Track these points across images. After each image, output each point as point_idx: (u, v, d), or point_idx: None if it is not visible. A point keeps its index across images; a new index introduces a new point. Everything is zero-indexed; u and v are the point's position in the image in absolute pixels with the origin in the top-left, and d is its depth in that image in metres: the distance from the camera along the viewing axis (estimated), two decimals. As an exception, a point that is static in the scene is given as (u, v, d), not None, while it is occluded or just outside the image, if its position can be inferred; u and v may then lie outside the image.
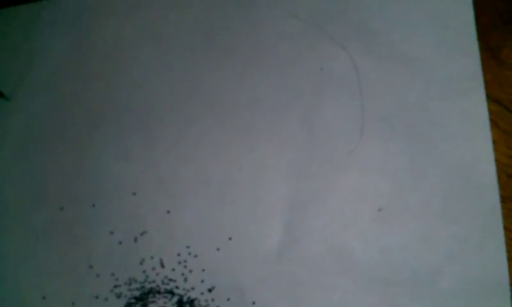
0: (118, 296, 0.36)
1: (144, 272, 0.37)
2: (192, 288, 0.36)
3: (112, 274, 0.37)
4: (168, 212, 0.37)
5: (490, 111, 0.35)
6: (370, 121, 0.36)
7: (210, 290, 0.36)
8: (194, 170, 0.38)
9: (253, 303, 0.35)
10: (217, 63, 0.39)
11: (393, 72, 0.36)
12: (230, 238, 0.36)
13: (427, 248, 0.33)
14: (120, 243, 0.37)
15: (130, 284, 0.36)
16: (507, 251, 0.32)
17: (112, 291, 0.37)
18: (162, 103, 0.39)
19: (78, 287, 0.37)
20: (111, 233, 0.38)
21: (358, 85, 0.36)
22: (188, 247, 0.36)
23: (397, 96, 0.36)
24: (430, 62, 0.36)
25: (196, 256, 0.36)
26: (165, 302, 0.36)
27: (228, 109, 0.38)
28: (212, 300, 0.35)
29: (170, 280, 0.36)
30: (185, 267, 0.36)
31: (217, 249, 0.36)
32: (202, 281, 0.36)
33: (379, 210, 0.34)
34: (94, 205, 0.38)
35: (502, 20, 0.36)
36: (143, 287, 0.36)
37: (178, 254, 0.36)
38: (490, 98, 0.35)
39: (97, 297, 0.37)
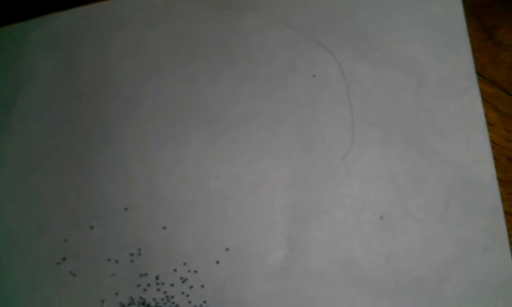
0: None
1: (145, 290, 0.36)
2: None
3: (116, 293, 0.37)
4: (164, 228, 0.37)
5: (487, 93, 0.34)
6: (363, 127, 0.35)
7: None
8: (193, 187, 0.37)
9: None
10: (210, 77, 0.39)
11: (386, 75, 0.36)
12: (231, 253, 0.36)
13: (432, 253, 0.33)
14: (117, 261, 0.37)
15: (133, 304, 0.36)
16: (509, 236, 0.32)
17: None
18: (156, 120, 0.39)
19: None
20: (108, 259, 0.37)
21: (347, 91, 0.36)
22: (185, 263, 0.36)
23: (391, 99, 0.35)
24: (422, 63, 0.35)
25: (196, 272, 0.36)
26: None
27: (224, 123, 0.38)
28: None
29: (172, 297, 0.36)
30: (184, 282, 0.36)
31: (218, 263, 0.36)
32: (204, 301, 0.35)
33: (381, 217, 0.34)
34: (92, 227, 0.38)
35: (498, -2, 0.35)
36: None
37: (175, 270, 0.36)
38: (487, 80, 0.34)
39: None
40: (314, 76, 0.37)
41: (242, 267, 0.35)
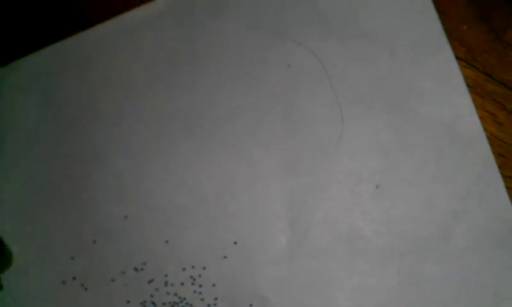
0: None
1: (154, 295, 0.37)
2: (208, 305, 0.36)
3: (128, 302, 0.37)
4: (167, 234, 0.37)
5: (497, 93, 0.35)
6: (348, 105, 0.36)
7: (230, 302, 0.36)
8: (189, 191, 0.38)
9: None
10: (187, 85, 0.39)
11: (358, 50, 0.37)
12: (237, 247, 0.36)
13: (432, 211, 0.34)
14: (124, 272, 0.37)
15: None
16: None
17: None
18: (143, 134, 0.39)
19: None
20: (115, 270, 0.38)
21: (326, 74, 0.37)
22: (193, 266, 0.36)
23: (368, 73, 0.36)
24: (391, 32, 0.36)
25: (204, 268, 0.36)
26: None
27: (208, 126, 0.38)
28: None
29: (184, 299, 0.36)
30: (194, 283, 0.36)
31: (225, 257, 0.36)
32: (215, 298, 0.36)
33: (377, 186, 0.35)
34: (95, 241, 0.38)
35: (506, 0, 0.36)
36: None
37: (184, 269, 0.36)
38: (496, 80, 0.35)
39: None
40: (289, 66, 0.38)
41: (250, 258, 0.36)
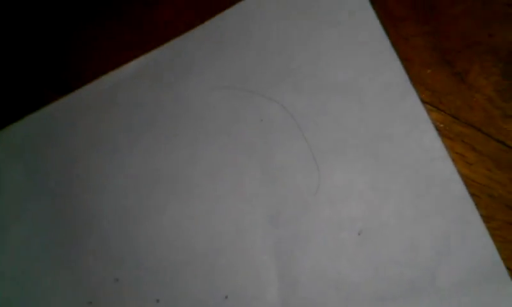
0: None
1: None
2: None
3: None
4: (158, 294, 0.38)
5: (464, 134, 0.36)
6: (323, 155, 0.37)
7: None
8: (177, 250, 0.38)
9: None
10: (166, 145, 0.40)
11: (329, 102, 0.38)
12: (229, 301, 0.37)
13: (415, 254, 0.34)
14: None
15: None
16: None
17: None
18: (129, 199, 0.40)
19: None
20: None
21: (298, 126, 0.38)
22: None
23: (339, 123, 0.37)
24: (358, 83, 0.37)
25: None
26: None
27: (192, 186, 0.39)
28: None
29: None
30: None
31: None
32: None
33: (359, 233, 0.35)
34: (91, 303, 0.39)
35: (466, 43, 0.37)
36: None
37: None
38: (463, 121, 0.36)
39: None
40: (262, 120, 0.39)
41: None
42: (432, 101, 0.37)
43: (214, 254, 0.37)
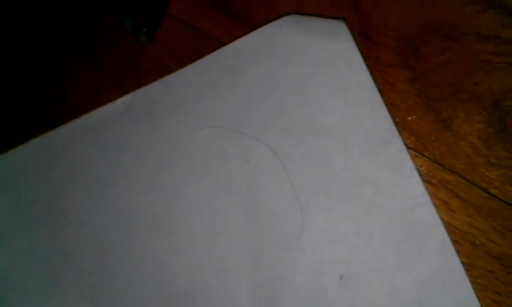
0: None
1: None
2: None
3: None
4: None
5: (447, 181, 0.36)
6: (307, 197, 0.37)
7: None
8: (158, 289, 0.38)
9: None
10: (151, 184, 0.40)
11: (314, 145, 0.38)
12: None
13: (397, 301, 0.35)
14: None
15: None
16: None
17: None
18: (111, 234, 0.40)
19: None
20: None
21: (283, 168, 0.38)
22: None
23: (323, 166, 0.38)
24: (344, 127, 0.38)
25: None
26: None
27: (176, 224, 0.39)
28: None
29: None
30: None
31: None
32: None
33: (341, 277, 0.36)
34: None
35: (451, 90, 0.37)
36: None
37: None
38: (447, 168, 0.36)
39: None
40: (248, 161, 0.39)
41: None
42: (416, 147, 0.37)
43: (195, 293, 0.37)
